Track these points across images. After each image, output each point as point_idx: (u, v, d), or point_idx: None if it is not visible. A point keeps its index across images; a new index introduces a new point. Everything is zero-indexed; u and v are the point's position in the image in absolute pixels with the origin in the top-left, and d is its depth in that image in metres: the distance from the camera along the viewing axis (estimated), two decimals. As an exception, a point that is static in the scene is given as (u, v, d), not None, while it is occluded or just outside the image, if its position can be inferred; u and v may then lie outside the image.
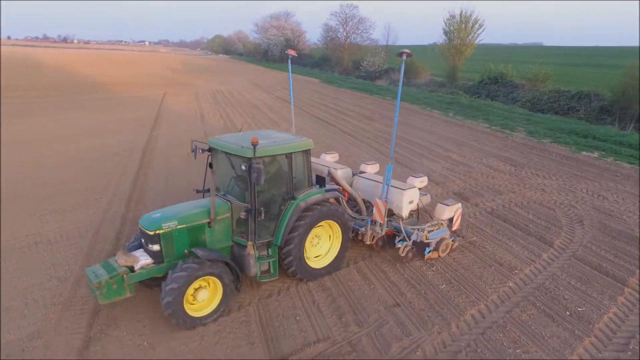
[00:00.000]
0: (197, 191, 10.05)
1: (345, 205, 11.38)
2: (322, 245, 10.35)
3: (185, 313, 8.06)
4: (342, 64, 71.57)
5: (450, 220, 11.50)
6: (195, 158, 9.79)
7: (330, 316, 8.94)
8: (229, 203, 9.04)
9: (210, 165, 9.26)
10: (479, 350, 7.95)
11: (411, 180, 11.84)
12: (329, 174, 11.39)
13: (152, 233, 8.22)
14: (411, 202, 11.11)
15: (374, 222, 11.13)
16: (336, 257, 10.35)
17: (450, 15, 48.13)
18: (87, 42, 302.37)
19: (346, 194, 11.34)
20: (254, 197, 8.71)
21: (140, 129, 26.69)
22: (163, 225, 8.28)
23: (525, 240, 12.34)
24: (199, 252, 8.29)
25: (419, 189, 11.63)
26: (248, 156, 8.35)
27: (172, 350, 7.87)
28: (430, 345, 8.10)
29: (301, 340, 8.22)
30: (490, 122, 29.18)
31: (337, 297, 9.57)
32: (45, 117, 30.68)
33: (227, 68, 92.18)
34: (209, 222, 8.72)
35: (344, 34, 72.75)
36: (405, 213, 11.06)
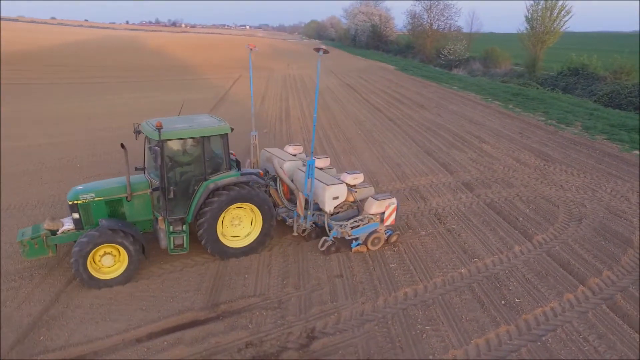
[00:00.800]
0: (136, 168, 10.61)
1: (279, 194, 11.96)
2: (243, 227, 10.71)
3: (89, 274, 9.13)
4: (425, 52, 69.95)
5: (383, 214, 11.17)
6: (136, 139, 10.38)
7: (276, 278, 9.94)
8: (149, 180, 10.02)
9: (122, 145, 9.48)
10: (389, 323, 8.49)
11: (344, 176, 11.68)
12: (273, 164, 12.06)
13: (71, 203, 9.49)
14: (336, 197, 10.97)
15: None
16: (255, 240, 10.71)
17: (535, 2, 44.98)
18: (193, 26, 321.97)
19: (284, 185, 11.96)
20: (163, 176, 9.45)
21: (200, 109, 29.14)
22: (80, 196, 9.48)
23: (506, 233, 12.20)
24: (103, 222, 9.36)
25: (353, 185, 11.52)
26: (155, 138, 9.14)
27: (136, 286, 9.44)
28: (349, 312, 8.78)
29: (239, 293, 9.35)
30: (548, 115, 27.47)
31: (291, 264, 10.53)
32: (125, 95, 34.56)
33: (311, 53, 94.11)
34: (126, 197, 9.76)
35: (428, 20, 70.82)
36: (328, 208, 10.98)
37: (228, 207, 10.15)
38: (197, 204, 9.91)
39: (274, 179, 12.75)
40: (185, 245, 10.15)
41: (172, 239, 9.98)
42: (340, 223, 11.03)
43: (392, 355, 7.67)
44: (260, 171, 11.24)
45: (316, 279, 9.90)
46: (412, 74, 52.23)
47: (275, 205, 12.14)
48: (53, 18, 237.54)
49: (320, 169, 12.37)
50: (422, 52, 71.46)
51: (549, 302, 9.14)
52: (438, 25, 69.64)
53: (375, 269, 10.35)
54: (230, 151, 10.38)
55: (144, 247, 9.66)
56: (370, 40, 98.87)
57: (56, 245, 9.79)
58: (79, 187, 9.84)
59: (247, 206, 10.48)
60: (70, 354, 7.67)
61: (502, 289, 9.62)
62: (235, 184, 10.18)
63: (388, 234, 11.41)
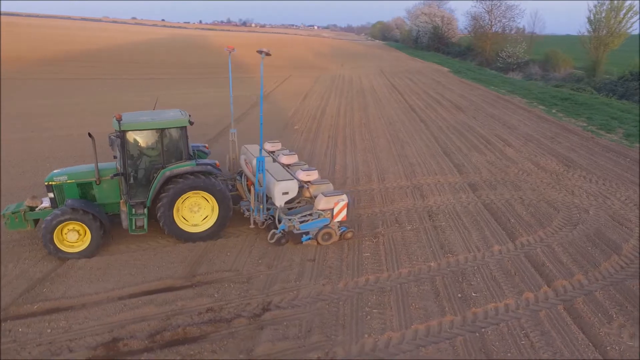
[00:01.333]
0: (114, 157, 11.66)
1: (243, 188, 12.57)
2: (201, 214, 11.45)
3: (56, 246, 10.31)
4: (484, 54, 67.98)
5: (333, 210, 11.39)
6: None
7: (254, 257, 10.84)
8: (117, 167, 11.04)
9: (90, 135, 10.48)
10: (340, 303, 9.10)
11: (298, 173, 12.12)
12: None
13: (46, 184, 10.76)
14: (285, 193, 11.38)
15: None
16: (212, 227, 11.40)
17: (599, 2, 42.46)
18: (263, 26, 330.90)
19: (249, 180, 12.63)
20: (124, 163, 10.58)
21: (240, 106, 30.73)
22: (55, 178, 10.74)
23: (491, 233, 12.29)
24: (69, 201, 10.53)
25: (307, 181, 12.01)
26: (116, 129, 10.27)
27: (132, 255, 10.73)
28: (308, 291, 9.49)
29: (216, 267, 10.36)
30: (590, 121, 26.22)
31: (271, 246, 11.32)
32: (180, 90, 37.00)
33: (370, 54, 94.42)
34: (95, 180, 10.87)
35: (488, 22, 68.62)
36: (278, 202, 11.43)
37: (183, 193, 10.91)
38: (155, 190, 10.80)
39: (241, 174, 13.54)
40: (145, 227, 11.05)
41: (133, 220, 10.96)
42: (289, 217, 11.48)
43: (331, 330, 8.31)
44: (217, 162, 11.87)
45: (289, 261, 10.69)
46: (463, 76, 51.19)
47: (241, 198, 12.98)
48: (134, 18, 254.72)
49: (288, 165, 12.94)
50: (481, 55, 69.49)
51: (505, 299, 9.32)
52: (499, 27, 67.41)
53: (348, 256, 10.95)
54: (204, 144, 11.33)
55: (104, 225, 10.64)
56: (431, 42, 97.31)
57: (35, 220, 10.92)
58: (55, 171, 11.16)
59: (207, 195, 11.20)
60: (62, 304, 9.01)
61: (463, 284, 9.89)
62: (191, 173, 10.94)
63: (342, 230, 11.63)
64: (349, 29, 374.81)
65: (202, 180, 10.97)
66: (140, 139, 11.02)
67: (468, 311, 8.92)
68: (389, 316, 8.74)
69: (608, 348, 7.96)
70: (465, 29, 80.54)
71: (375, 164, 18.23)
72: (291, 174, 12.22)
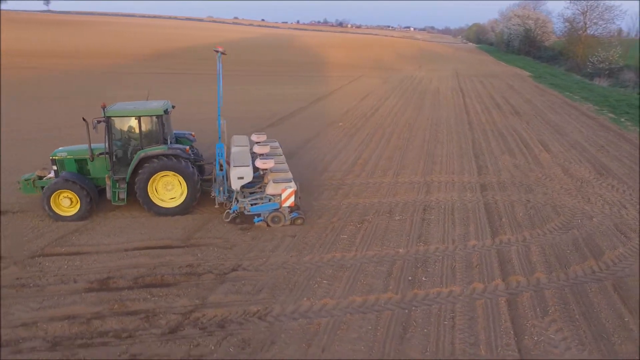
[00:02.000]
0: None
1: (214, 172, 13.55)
2: (174, 192, 13.04)
3: (53, 210, 12.45)
4: (575, 59, 63.48)
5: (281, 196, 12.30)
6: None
7: (241, 229, 12.33)
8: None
9: (83, 119, 12.66)
10: (297, 273, 10.27)
11: (257, 161, 13.08)
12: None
13: (51, 158, 13.05)
14: (241, 177, 12.39)
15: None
16: (182, 204, 12.97)
17: None
18: (359, 27, 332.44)
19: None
20: (110, 144, 12.63)
21: (300, 102, 32.54)
22: (57, 154, 13.03)
23: (475, 229, 12.59)
24: (64, 174, 12.67)
25: (265, 169, 13.08)
26: (102, 115, 12.40)
27: (149, 218, 12.77)
28: (276, 260, 10.78)
29: (210, 234, 12.03)
30: (656, 132, 24.25)
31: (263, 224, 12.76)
32: (258, 86, 39.77)
33: (455, 57, 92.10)
34: (89, 157, 12.95)
35: (582, 24, 63.78)
36: (234, 186, 12.49)
37: (156, 172, 12.56)
38: (132, 168, 12.63)
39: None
40: (125, 199, 12.96)
41: (116, 193, 12.92)
42: (243, 200, 12.65)
43: (279, 292, 9.52)
44: (187, 148, 13.25)
45: (272, 235, 12.04)
46: (541, 82, 48.61)
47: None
48: (235, 18, 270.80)
49: (262, 154, 13.94)
50: (572, 59, 64.96)
51: (452, 286, 9.84)
52: (594, 30, 62.50)
53: (327, 237, 12.03)
54: (190, 132, 13.21)
55: (91, 195, 12.63)
56: (522, 46, 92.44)
57: (42, 187, 12.91)
58: (59, 148, 13.45)
59: (178, 175, 12.80)
60: (82, 249, 11.20)
61: (419, 269, 10.52)
62: (165, 155, 12.56)
63: (293, 216, 12.59)
64: (446, 31, 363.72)
65: (171, 162, 12.57)
66: (122, 124, 13.01)
67: (410, 292, 9.62)
68: (335, 287, 9.74)
69: (526, 337, 8.28)
70: (560, 31, 75.49)
71: (399, 160, 18.87)
72: (251, 161, 13.18)
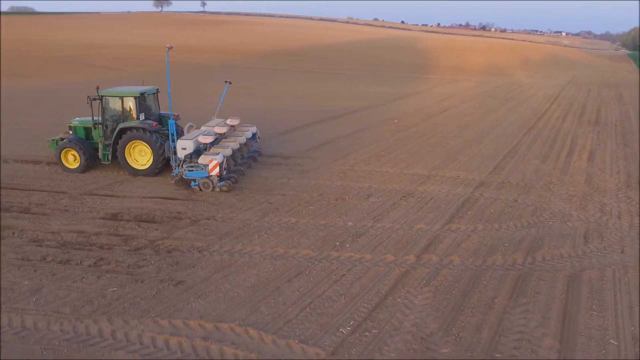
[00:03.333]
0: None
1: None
2: (146, 158, 16.31)
3: (62, 163, 16.67)
4: None
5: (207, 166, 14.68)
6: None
7: (239, 196, 14.92)
8: None
9: (88, 97, 16.07)
10: (250, 226, 12.57)
11: (200, 136, 15.45)
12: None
13: (68, 125, 17.27)
14: (184, 148, 15.02)
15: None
16: (149, 167, 16.23)
17: None
18: (503, 31, 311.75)
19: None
20: (103, 117, 16.45)
21: (375, 100, 34.21)
22: (72, 122, 17.33)
23: (434, 217, 13.35)
24: (69, 136, 16.83)
25: (206, 143, 15.32)
26: (97, 94, 16.21)
27: (166, 183, 16.15)
28: (242, 216, 13.22)
29: (209, 195, 14.88)
30: None
31: (254, 193, 15.21)
32: (354, 84, 42.38)
33: (588, 64, 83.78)
34: (92, 126, 16.77)
35: None
36: (179, 155, 15.14)
37: (130, 140, 15.95)
38: (114, 137, 16.30)
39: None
40: (110, 160, 16.66)
41: (106, 155, 16.75)
42: (184, 167, 15.13)
43: (223, 237, 11.93)
44: (154, 123, 16.29)
45: (255, 201, 14.42)
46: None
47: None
48: (375, 19, 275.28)
49: (222, 133, 16.78)
50: None
51: (366, 254, 11.15)
52: None
53: (297, 207, 14.04)
54: (176, 113, 16.35)
55: (87, 154, 16.47)
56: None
57: None
58: (75, 118, 17.75)
59: (145, 144, 16.08)
60: (114, 194, 14.91)
61: (351, 239, 11.97)
62: (136, 128, 15.92)
63: (221, 184, 14.97)
64: (605, 37, 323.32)
65: (140, 133, 15.98)
66: (111, 102, 16.66)
67: (326, 252, 11.25)
68: (268, 239, 11.87)
69: (390, 298, 9.47)
70: None
71: (420, 156, 19.76)
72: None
